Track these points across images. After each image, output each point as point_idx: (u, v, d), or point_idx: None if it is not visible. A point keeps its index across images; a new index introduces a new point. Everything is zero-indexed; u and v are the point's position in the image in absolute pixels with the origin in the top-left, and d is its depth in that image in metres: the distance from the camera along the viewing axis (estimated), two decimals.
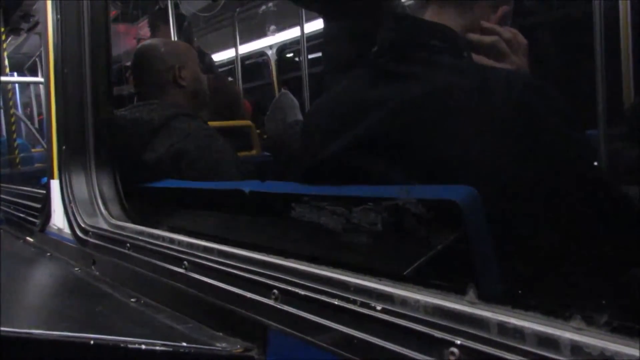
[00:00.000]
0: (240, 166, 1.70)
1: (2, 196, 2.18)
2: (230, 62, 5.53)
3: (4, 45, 4.14)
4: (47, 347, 0.60)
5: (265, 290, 0.71)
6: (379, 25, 1.00)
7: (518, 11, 1.04)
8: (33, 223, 1.68)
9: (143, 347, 0.62)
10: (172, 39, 3.24)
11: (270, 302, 0.70)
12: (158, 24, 3.20)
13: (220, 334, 0.77)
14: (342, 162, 0.94)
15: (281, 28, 5.15)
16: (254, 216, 1.13)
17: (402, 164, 0.86)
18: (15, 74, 5.44)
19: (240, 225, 1.14)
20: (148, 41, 2.00)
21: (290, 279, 0.69)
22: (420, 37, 0.92)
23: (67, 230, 1.39)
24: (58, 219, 1.47)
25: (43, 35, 1.57)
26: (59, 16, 1.47)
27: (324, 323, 0.62)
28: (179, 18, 3.42)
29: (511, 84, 0.80)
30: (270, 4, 4.75)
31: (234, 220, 1.18)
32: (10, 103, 4.48)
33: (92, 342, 0.60)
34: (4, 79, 4.30)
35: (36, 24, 3.56)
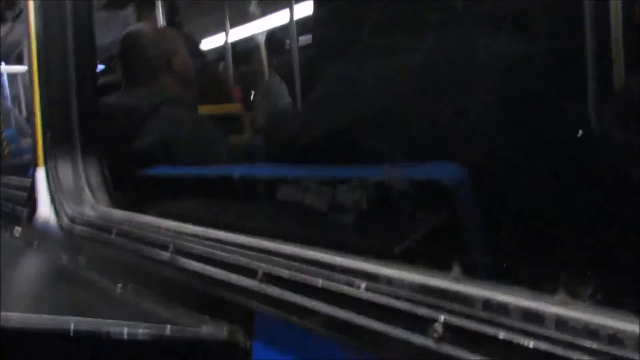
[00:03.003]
0: (229, 151, 1.69)
1: None
2: (220, 46, 5.48)
3: None
4: (25, 334, 0.59)
5: (251, 272, 0.71)
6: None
7: None
8: (20, 212, 1.66)
9: (125, 331, 0.62)
10: (160, 23, 3.19)
11: (256, 284, 0.69)
12: (144, 8, 3.15)
13: (207, 317, 0.76)
14: (350, 142, 0.94)
15: (270, 12, 5.10)
16: (243, 200, 1.12)
17: (395, 139, 0.86)
18: (3, 63, 5.37)
19: (229, 209, 1.13)
20: (137, 26, 1.95)
21: (275, 260, 0.69)
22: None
23: (53, 218, 1.38)
24: (44, 208, 1.46)
25: (25, 21, 1.55)
26: (40, 2, 1.44)
27: (308, 304, 0.62)
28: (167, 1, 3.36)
29: (501, 54, 0.79)
30: None
31: (223, 205, 1.17)
32: None
33: (72, 328, 0.59)
34: None
35: (20, 12, 3.51)
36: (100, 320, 0.63)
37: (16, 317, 0.59)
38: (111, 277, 0.99)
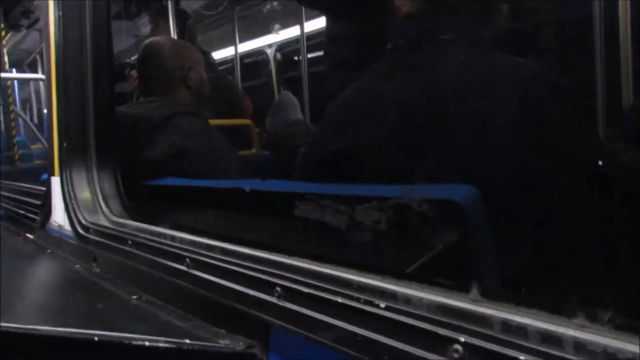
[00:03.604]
0: (241, 164, 1.70)
1: (2, 193, 2.18)
2: (230, 60, 5.52)
3: (4, 42, 4.13)
4: (51, 343, 0.60)
5: (268, 287, 0.72)
6: (384, 23, 1.01)
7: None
8: (33, 220, 1.68)
9: (146, 343, 0.63)
10: (173, 37, 3.23)
11: (273, 299, 0.70)
12: (159, 22, 3.19)
13: (223, 331, 0.77)
14: (364, 158, 0.95)
15: (281, 27, 5.14)
16: (255, 214, 1.13)
17: (411, 159, 0.87)
18: (14, 70, 5.44)
19: (241, 223, 1.15)
20: (157, 38, 1.99)
21: (293, 276, 0.70)
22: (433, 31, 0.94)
23: (67, 227, 1.39)
24: (58, 216, 1.47)
25: (44, 31, 1.57)
26: (60, 13, 1.47)
27: (326, 320, 0.63)
28: (181, 15, 3.41)
29: (520, 73, 0.81)
30: (269, 4, 4.76)
31: (235, 218, 1.18)
32: (10, 100, 4.48)
33: (95, 338, 0.60)
34: (3, 75, 4.30)
35: (36, 20, 3.56)
36: (122, 334, 0.64)
37: (42, 327, 0.60)
38: (126, 287, 1.00)
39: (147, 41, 1.82)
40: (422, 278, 0.58)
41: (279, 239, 1.03)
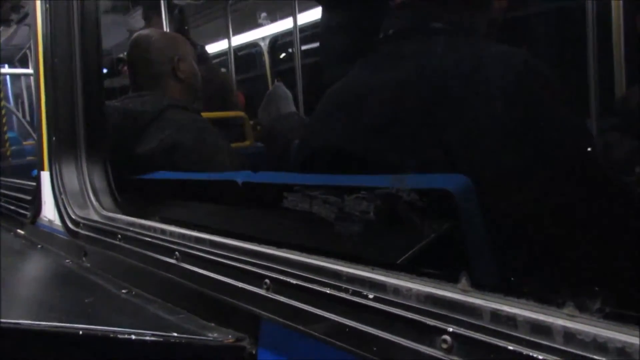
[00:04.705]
0: (234, 157, 1.69)
1: None
2: (223, 53, 5.50)
3: None
4: (36, 337, 0.60)
5: (257, 280, 0.71)
6: (378, 14, 1.01)
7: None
8: (24, 215, 1.66)
9: (133, 337, 0.62)
10: (165, 29, 3.20)
11: (262, 291, 0.70)
12: (152, 15, 3.17)
13: (212, 324, 0.76)
14: (357, 150, 0.94)
15: (274, 19, 5.12)
16: (247, 207, 1.12)
17: (403, 149, 0.86)
18: (6, 65, 5.40)
19: (233, 216, 1.14)
20: (146, 31, 1.96)
21: (282, 268, 0.69)
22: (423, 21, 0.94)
23: (57, 222, 1.38)
24: (49, 211, 1.46)
25: (32, 25, 1.56)
26: (47, 6, 1.45)
27: (316, 312, 0.62)
28: (173, 8, 3.38)
29: (511, 62, 0.80)
30: None
31: (227, 211, 1.17)
32: (1, 95, 4.44)
33: (80, 332, 0.59)
34: None
35: (26, 15, 3.52)
36: (107, 327, 0.63)
37: (25, 321, 0.60)
38: (116, 281, 0.99)
39: (135, 34, 1.80)
40: (412, 268, 0.57)
41: (270, 231, 1.02)
